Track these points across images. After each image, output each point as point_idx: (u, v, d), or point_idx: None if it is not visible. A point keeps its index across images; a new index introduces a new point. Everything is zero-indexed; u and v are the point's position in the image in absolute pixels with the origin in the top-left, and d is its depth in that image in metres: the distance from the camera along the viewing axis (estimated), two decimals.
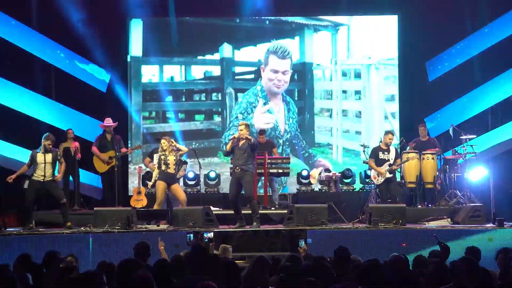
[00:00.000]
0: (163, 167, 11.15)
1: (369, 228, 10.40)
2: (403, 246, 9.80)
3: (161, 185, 11.09)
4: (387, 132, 12.01)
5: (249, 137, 10.62)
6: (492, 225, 10.70)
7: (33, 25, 13.69)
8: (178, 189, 11.37)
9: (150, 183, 11.51)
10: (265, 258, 5.97)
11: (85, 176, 13.21)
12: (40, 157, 10.76)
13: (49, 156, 10.80)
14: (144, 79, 14.94)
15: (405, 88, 14.70)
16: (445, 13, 14.04)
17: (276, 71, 14.82)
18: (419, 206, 12.24)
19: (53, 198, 10.95)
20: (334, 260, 6.57)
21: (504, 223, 10.48)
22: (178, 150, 11.34)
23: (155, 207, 11.11)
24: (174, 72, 15.07)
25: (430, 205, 12.24)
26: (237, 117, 14.63)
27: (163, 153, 11.21)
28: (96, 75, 14.43)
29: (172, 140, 11.41)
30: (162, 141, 11.32)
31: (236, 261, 6.91)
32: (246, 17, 14.84)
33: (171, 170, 11.16)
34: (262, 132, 13.08)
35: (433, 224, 11.08)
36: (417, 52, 14.46)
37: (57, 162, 10.89)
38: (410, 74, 14.65)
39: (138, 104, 14.79)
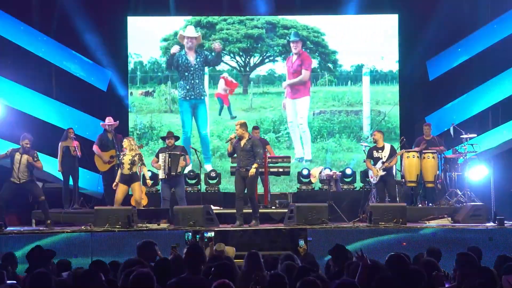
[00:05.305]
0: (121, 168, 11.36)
1: (369, 227, 10.40)
2: (403, 246, 9.79)
3: (119, 187, 11.29)
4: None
5: (232, 136, 10.69)
6: (492, 224, 10.69)
7: (34, 23, 13.68)
8: (135, 188, 11.37)
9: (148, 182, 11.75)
10: (257, 253, 5.96)
11: (85, 175, 13.20)
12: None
13: None
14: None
15: (406, 87, 14.68)
16: (445, 12, 14.01)
17: None
18: (420, 205, 12.23)
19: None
20: (333, 259, 6.57)
21: (505, 222, 10.47)
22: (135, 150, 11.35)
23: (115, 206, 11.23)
24: None
25: (430, 204, 12.22)
26: None
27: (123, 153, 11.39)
28: (97, 73, 14.40)
29: (131, 138, 11.59)
30: (124, 140, 11.47)
31: (236, 260, 6.93)
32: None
33: (125, 171, 11.24)
34: (256, 127, 13.08)
35: (433, 223, 11.07)
36: (418, 51, 14.44)
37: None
38: (411, 73, 14.62)
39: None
